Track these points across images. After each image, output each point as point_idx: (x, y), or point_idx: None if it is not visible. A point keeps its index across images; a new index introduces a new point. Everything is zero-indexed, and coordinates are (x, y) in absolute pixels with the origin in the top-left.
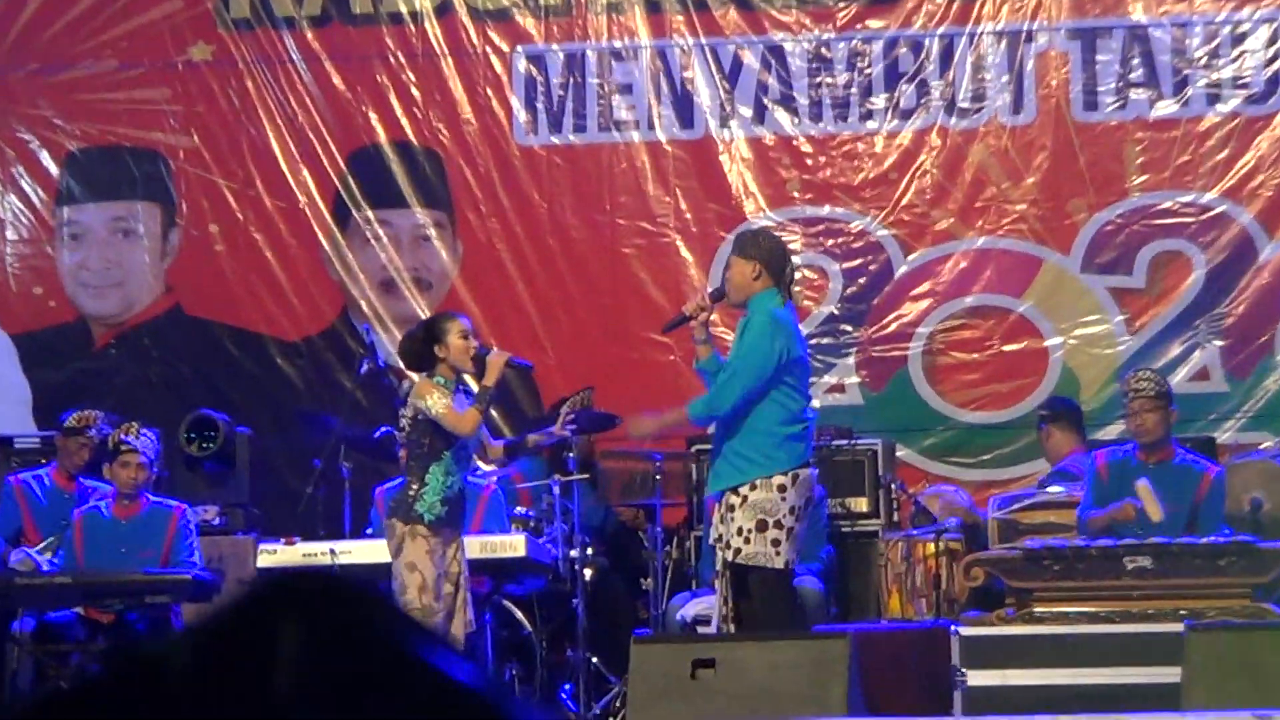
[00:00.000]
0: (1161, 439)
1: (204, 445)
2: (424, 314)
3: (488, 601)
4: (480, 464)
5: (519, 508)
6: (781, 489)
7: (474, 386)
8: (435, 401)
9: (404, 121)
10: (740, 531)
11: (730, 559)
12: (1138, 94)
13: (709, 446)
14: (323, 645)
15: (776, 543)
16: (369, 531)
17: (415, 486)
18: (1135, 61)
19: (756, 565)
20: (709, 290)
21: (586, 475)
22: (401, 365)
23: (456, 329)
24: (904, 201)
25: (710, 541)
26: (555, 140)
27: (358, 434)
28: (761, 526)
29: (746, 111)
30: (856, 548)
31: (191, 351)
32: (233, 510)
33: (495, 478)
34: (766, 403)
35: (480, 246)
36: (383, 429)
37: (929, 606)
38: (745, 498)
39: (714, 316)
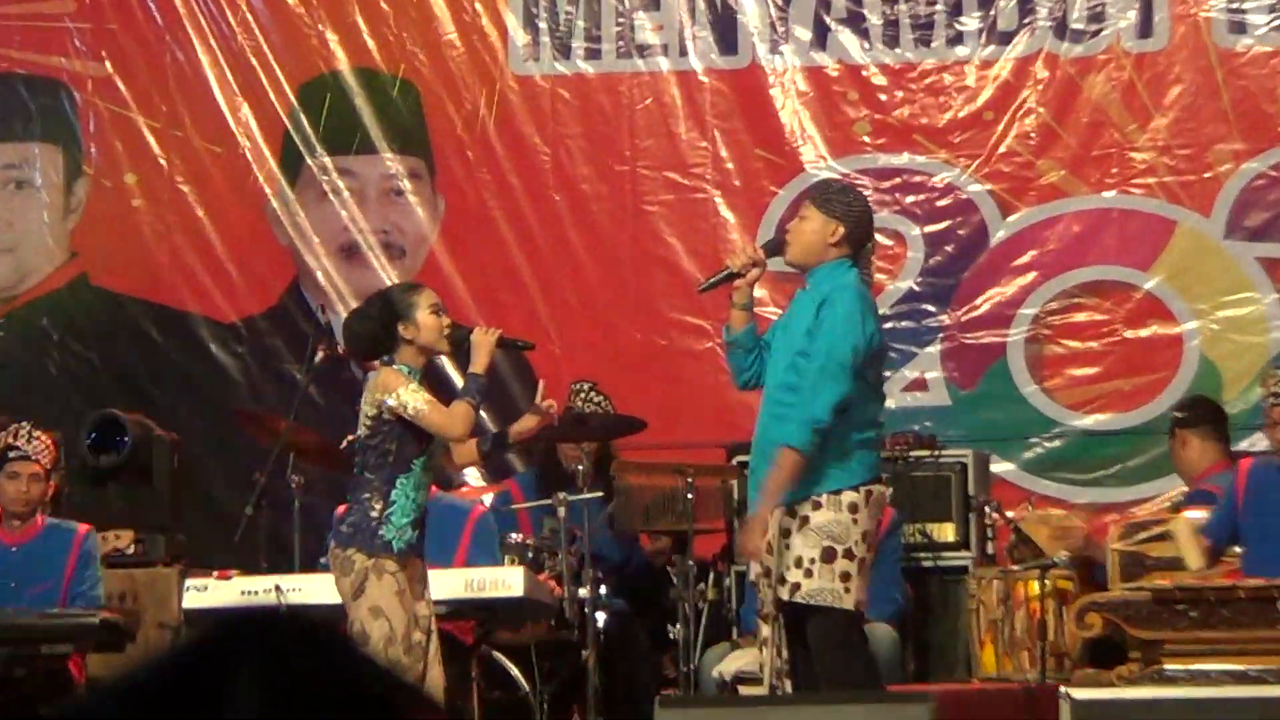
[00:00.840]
0: None
1: (112, 453)
2: None
3: (475, 653)
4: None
5: (514, 535)
6: (853, 509)
7: (455, 376)
8: (411, 395)
9: (370, 43)
10: (800, 562)
11: (787, 597)
12: None
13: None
14: (284, 703)
15: (846, 577)
16: (322, 561)
17: (379, 506)
18: None
19: (821, 605)
20: (761, 242)
21: (600, 494)
22: (345, 349)
23: (426, 301)
24: (1002, 149)
25: (752, 578)
26: (561, 69)
27: (311, 439)
28: (828, 556)
29: (804, 34)
30: (940, 587)
31: (100, 334)
32: (151, 536)
33: (485, 496)
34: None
35: (466, 203)
36: (348, 436)
37: (1032, 662)
38: (807, 520)
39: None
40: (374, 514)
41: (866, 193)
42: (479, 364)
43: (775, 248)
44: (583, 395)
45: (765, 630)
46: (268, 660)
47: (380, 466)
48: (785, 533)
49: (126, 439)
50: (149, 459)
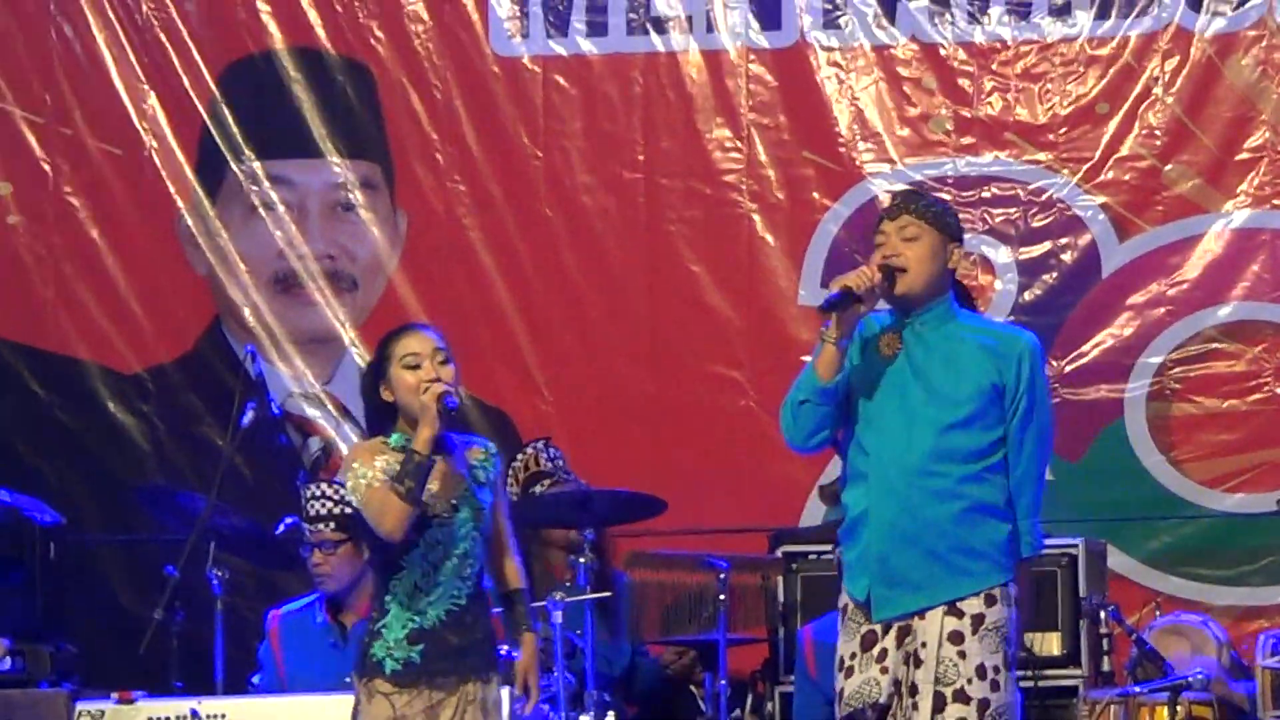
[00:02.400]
0: None
1: None
2: (344, 330)
3: None
4: None
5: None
6: (1017, 605)
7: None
8: (356, 474)
9: (312, 16)
10: (984, 673)
11: (976, 716)
12: None
13: (807, 549)
14: None
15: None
16: (254, 681)
17: (375, 617)
18: None
19: None
20: (879, 262)
21: (606, 594)
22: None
23: (400, 352)
24: (1121, 151)
25: (878, 698)
26: (557, 48)
27: (238, 524)
28: (1009, 663)
29: (866, 4)
30: (1043, 713)
31: None
32: (33, 649)
33: None
34: (1003, 471)
35: (435, 219)
36: (286, 520)
37: None
38: (981, 618)
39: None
40: (371, 627)
41: None
42: (418, 437)
43: (892, 274)
44: (544, 458)
45: None
46: None
47: (377, 568)
48: (955, 638)
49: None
50: (21, 553)
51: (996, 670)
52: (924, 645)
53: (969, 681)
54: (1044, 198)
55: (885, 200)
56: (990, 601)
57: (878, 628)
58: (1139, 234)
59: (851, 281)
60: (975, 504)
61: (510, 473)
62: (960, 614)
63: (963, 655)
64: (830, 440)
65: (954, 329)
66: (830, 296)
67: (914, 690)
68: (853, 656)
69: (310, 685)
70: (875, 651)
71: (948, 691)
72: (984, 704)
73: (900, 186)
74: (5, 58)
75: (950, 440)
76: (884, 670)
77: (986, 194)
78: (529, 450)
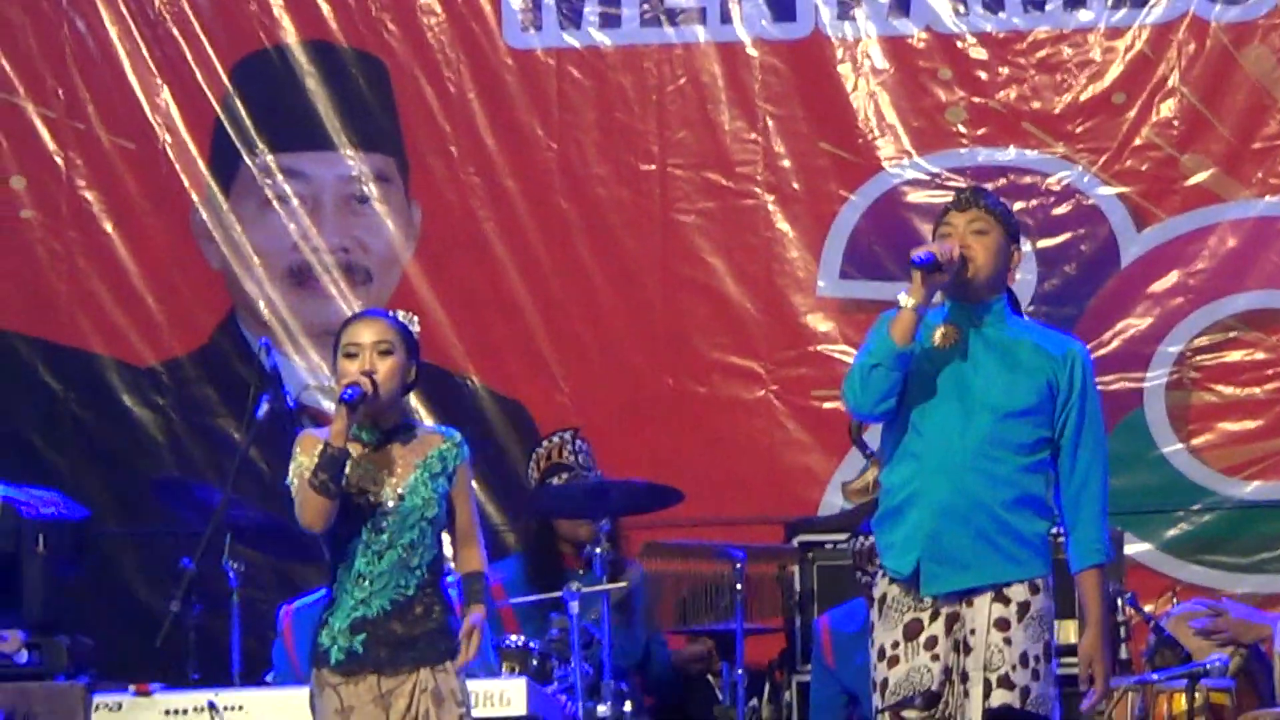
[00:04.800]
0: None
1: None
2: None
3: None
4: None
5: (511, 636)
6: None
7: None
8: (293, 466)
9: (325, 10)
10: (1027, 660)
11: (1017, 704)
12: None
13: (824, 539)
14: None
15: (1058, 682)
16: (269, 678)
17: (325, 606)
18: None
19: (1045, 715)
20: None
21: (623, 584)
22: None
23: (344, 340)
24: (1137, 141)
25: (930, 685)
26: (571, 40)
27: (254, 517)
28: (1049, 654)
29: None
30: (1062, 699)
31: None
32: (49, 642)
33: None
34: (1046, 468)
35: (449, 211)
36: None
37: None
38: (1027, 606)
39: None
40: (322, 616)
41: None
42: (331, 428)
43: (964, 262)
44: (568, 450)
45: None
46: None
47: (328, 557)
48: (1000, 624)
49: None
50: (35, 544)
51: (1038, 659)
52: (973, 632)
53: (1013, 668)
54: (1061, 188)
55: (905, 192)
56: (1035, 590)
57: (923, 615)
58: (1157, 223)
59: (937, 250)
60: (1025, 493)
61: (532, 459)
62: (1007, 601)
63: (1008, 642)
64: (894, 410)
65: (1009, 328)
66: (923, 256)
67: (965, 677)
68: (895, 645)
69: None
70: (923, 639)
71: (993, 678)
72: (1025, 691)
73: (915, 176)
74: (17, 52)
75: (1007, 429)
76: (935, 658)
77: (1004, 184)
78: (555, 439)
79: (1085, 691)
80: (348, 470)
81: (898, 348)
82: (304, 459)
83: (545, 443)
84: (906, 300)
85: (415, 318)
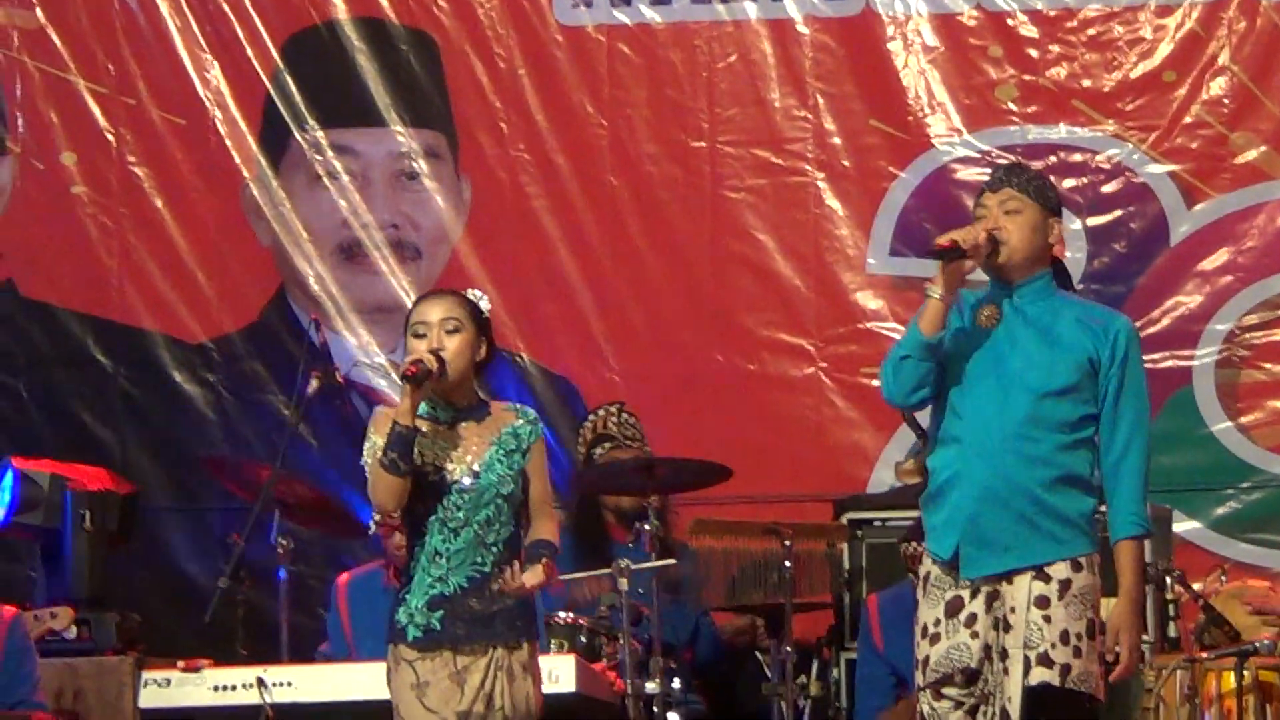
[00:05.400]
0: None
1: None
2: (408, 297)
3: None
4: None
5: (561, 614)
6: (1100, 573)
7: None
8: (367, 445)
9: None
10: (1068, 639)
11: (1058, 681)
12: None
13: (872, 516)
14: None
15: (1102, 659)
16: (322, 650)
17: (402, 583)
18: None
19: (1087, 693)
20: (988, 229)
21: (671, 560)
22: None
23: (413, 320)
24: (1187, 119)
25: (969, 662)
26: (621, 17)
27: (303, 493)
28: (1092, 631)
29: None
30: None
31: (30, 356)
32: (99, 618)
33: None
34: (1090, 445)
35: (499, 188)
36: None
37: None
38: (1067, 585)
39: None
40: (399, 593)
41: None
42: (399, 407)
43: (994, 244)
44: (613, 421)
45: None
46: None
47: (407, 536)
48: (1041, 602)
49: (30, 501)
50: (59, 519)
51: (1079, 637)
52: (1012, 610)
53: (1052, 646)
54: (1112, 165)
55: (955, 169)
56: (1076, 568)
57: (964, 593)
58: (1206, 201)
59: (959, 236)
60: (1066, 473)
61: (579, 435)
62: (1047, 579)
63: (1048, 620)
64: (930, 398)
65: (1053, 304)
66: (943, 245)
67: (1004, 655)
68: (937, 623)
69: (377, 649)
70: (963, 616)
71: (1032, 655)
72: (1065, 669)
73: (966, 153)
74: (69, 30)
75: (1046, 408)
76: (974, 635)
77: (1054, 162)
78: (600, 413)
79: (1110, 662)
80: (421, 448)
81: (925, 338)
82: (376, 438)
83: (591, 416)
84: (933, 290)
85: (485, 296)
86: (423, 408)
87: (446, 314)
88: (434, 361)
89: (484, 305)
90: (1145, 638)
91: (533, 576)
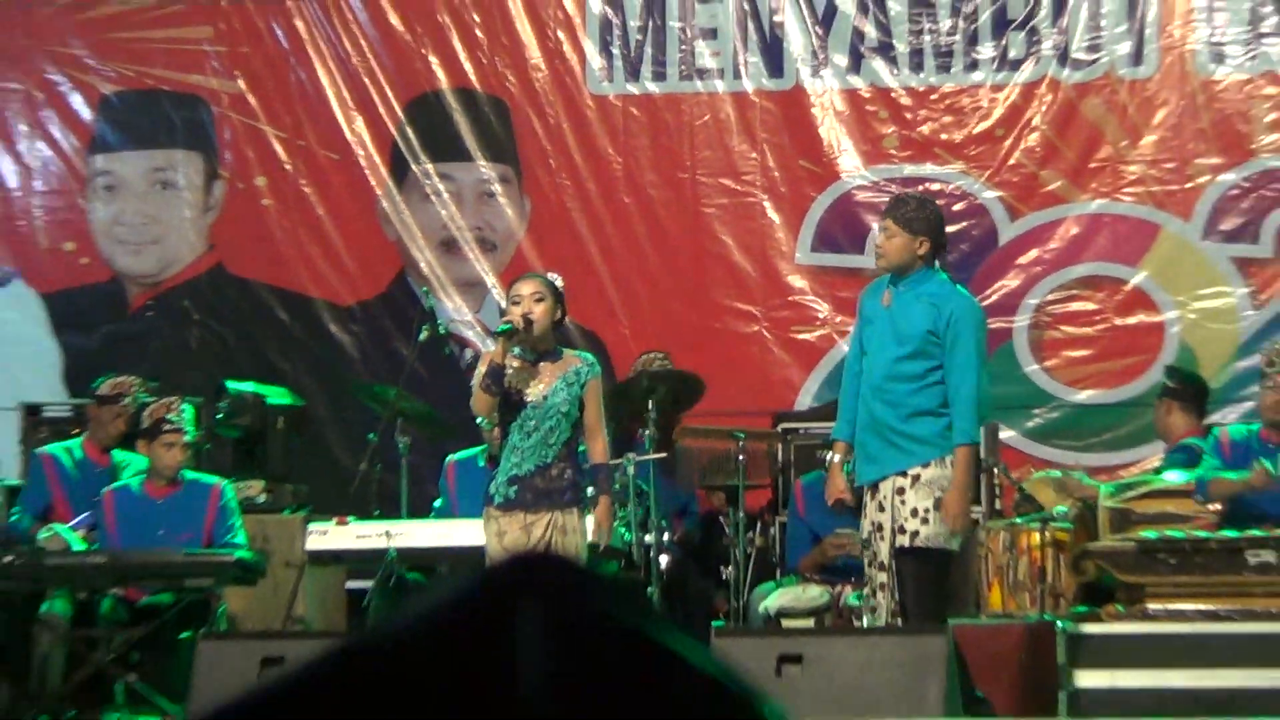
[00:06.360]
0: None
1: (230, 420)
2: (487, 277)
3: None
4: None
5: (589, 488)
6: (950, 466)
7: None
8: (475, 373)
9: (467, 66)
10: (916, 513)
11: (907, 544)
12: (1270, 45)
13: (798, 425)
14: (567, 638)
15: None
16: (436, 507)
17: (492, 465)
18: (1267, 10)
19: (936, 548)
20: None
21: (664, 454)
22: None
23: (511, 292)
24: (1011, 161)
25: (864, 535)
26: (632, 89)
27: (418, 406)
28: (939, 506)
29: (841, 60)
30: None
31: (235, 315)
32: (279, 486)
33: None
34: (937, 386)
35: (549, 204)
36: None
37: (1032, 601)
38: (918, 477)
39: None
40: (492, 471)
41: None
42: (495, 352)
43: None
44: (658, 363)
45: (881, 577)
46: (548, 597)
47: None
48: (898, 491)
49: (241, 409)
50: (262, 424)
51: (927, 511)
52: (886, 497)
53: (906, 519)
54: (960, 192)
55: (855, 194)
56: (925, 466)
57: (865, 489)
58: (1023, 217)
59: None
60: (915, 410)
61: (639, 361)
62: (905, 475)
63: (903, 502)
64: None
65: (919, 290)
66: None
67: (879, 529)
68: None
69: (473, 509)
70: (865, 508)
71: (894, 528)
72: (915, 534)
73: (862, 183)
74: (261, 93)
75: (900, 365)
76: (863, 516)
77: (922, 189)
78: (648, 356)
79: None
80: (510, 378)
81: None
82: (481, 369)
83: (644, 355)
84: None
85: (560, 277)
86: (517, 350)
87: (535, 289)
88: (521, 323)
89: (559, 284)
90: (979, 509)
91: (596, 528)
